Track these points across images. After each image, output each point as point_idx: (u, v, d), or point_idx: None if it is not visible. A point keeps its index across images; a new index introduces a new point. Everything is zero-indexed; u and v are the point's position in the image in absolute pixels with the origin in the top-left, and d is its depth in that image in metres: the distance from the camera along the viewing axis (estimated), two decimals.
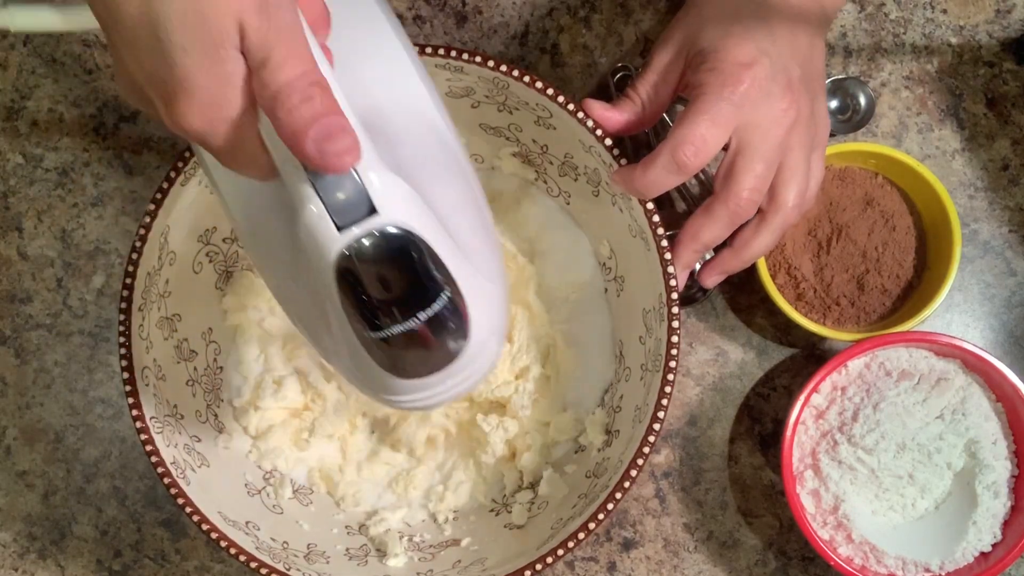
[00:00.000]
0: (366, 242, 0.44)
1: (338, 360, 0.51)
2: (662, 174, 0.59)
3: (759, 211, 0.62)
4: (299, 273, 0.47)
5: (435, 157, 0.53)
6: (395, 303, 0.45)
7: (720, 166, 0.60)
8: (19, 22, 0.55)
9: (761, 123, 0.59)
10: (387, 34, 0.54)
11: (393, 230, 0.44)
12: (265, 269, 0.54)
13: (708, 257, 0.68)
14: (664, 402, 0.61)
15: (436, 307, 0.46)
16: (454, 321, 0.47)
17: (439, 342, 0.47)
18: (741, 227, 0.63)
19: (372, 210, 0.43)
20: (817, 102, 0.62)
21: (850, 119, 0.73)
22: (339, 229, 0.43)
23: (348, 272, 0.44)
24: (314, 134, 0.41)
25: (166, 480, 0.62)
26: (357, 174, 0.43)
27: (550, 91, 0.61)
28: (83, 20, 0.53)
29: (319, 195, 0.43)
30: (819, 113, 0.62)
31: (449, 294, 0.46)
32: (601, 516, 0.61)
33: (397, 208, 0.44)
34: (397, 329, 0.46)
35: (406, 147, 0.49)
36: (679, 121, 0.58)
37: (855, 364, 0.70)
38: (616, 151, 0.62)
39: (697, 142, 0.58)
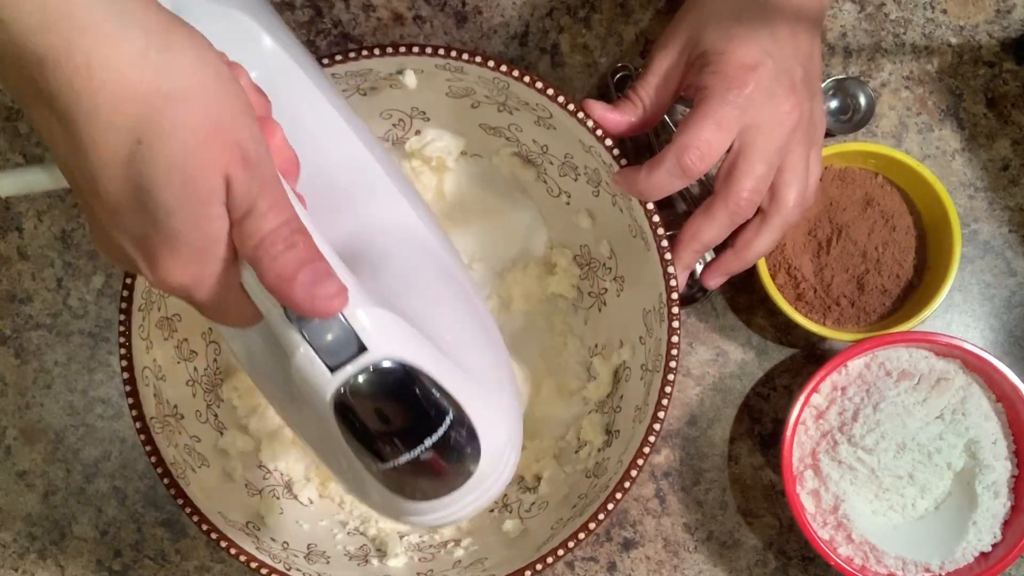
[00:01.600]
0: (360, 380, 0.44)
1: (356, 489, 0.50)
2: (666, 178, 0.59)
3: (760, 211, 0.62)
4: (303, 408, 0.47)
5: (424, 274, 0.52)
6: (399, 434, 0.45)
7: (721, 166, 0.60)
8: (6, 187, 0.51)
9: (764, 125, 0.59)
10: (353, 143, 0.54)
11: (386, 364, 0.44)
12: (273, 402, 0.54)
13: (708, 258, 0.68)
14: (664, 402, 0.61)
15: (441, 431, 0.46)
16: (464, 441, 0.47)
17: (450, 464, 0.47)
18: (742, 228, 0.63)
19: (362, 347, 0.44)
20: (815, 101, 0.62)
21: (850, 119, 0.73)
22: (331, 370, 0.43)
23: (346, 410, 0.44)
24: (302, 281, 0.42)
25: (166, 480, 0.62)
26: (342, 314, 0.43)
27: (550, 91, 0.61)
28: (41, 181, 0.50)
29: (307, 339, 0.43)
30: (817, 112, 0.62)
31: (454, 416, 0.46)
32: (601, 516, 0.61)
33: (387, 341, 0.44)
34: (404, 459, 0.45)
35: (391, 269, 0.49)
36: (684, 125, 0.58)
37: (855, 364, 0.70)
38: (616, 152, 0.62)
39: (702, 147, 0.58)
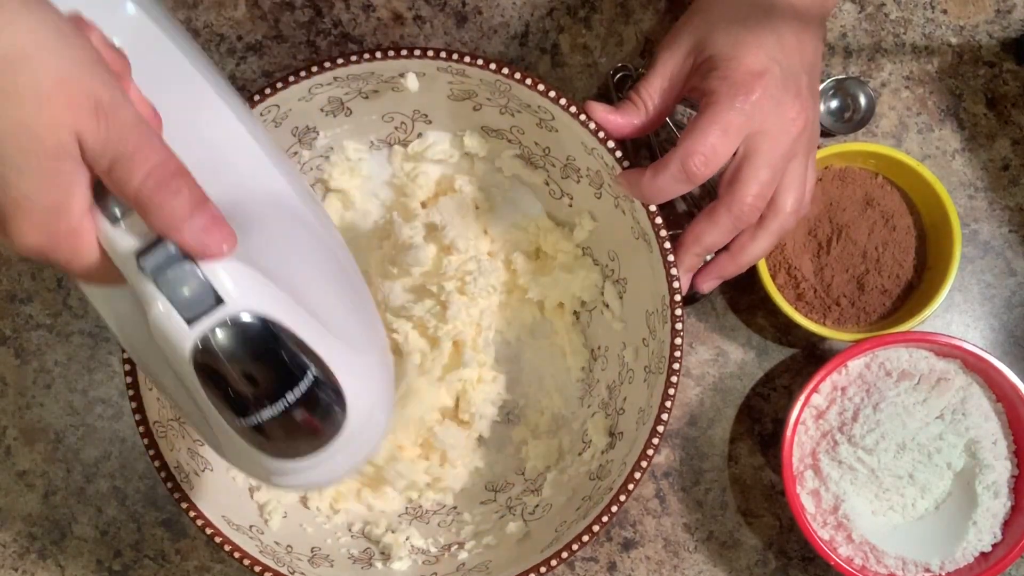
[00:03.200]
0: (218, 332, 0.43)
1: (224, 450, 0.50)
2: (671, 182, 0.59)
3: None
4: (168, 369, 0.47)
5: (291, 237, 0.52)
6: (260, 389, 0.45)
7: (726, 171, 0.60)
8: None
9: (770, 131, 0.59)
10: (223, 112, 0.54)
11: (244, 317, 0.44)
12: (145, 370, 0.53)
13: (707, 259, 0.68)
14: (668, 404, 0.61)
15: (304, 386, 0.45)
16: (327, 398, 0.46)
17: (315, 420, 0.47)
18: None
19: (219, 300, 0.43)
20: (816, 110, 0.62)
21: (850, 119, 0.73)
22: (189, 323, 0.43)
23: (206, 365, 0.44)
24: (192, 225, 0.42)
25: (170, 484, 0.62)
26: (198, 266, 0.43)
27: (552, 93, 0.61)
28: None
29: (163, 292, 0.43)
30: (816, 121, 0.62)
31: (316, 372, 0.46)
32: (605, 519, 0.61)
33: (245, 295, 0.44)
34: (267, 414, 0.45)
35: (256, 231, 0.49)
36: (689, 129, 0.58)
37: (855, 364, 0.70)
38: (619, 154, 0.62)
39: (708, 152, 0.58)
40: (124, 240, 0.43)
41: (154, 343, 0.45)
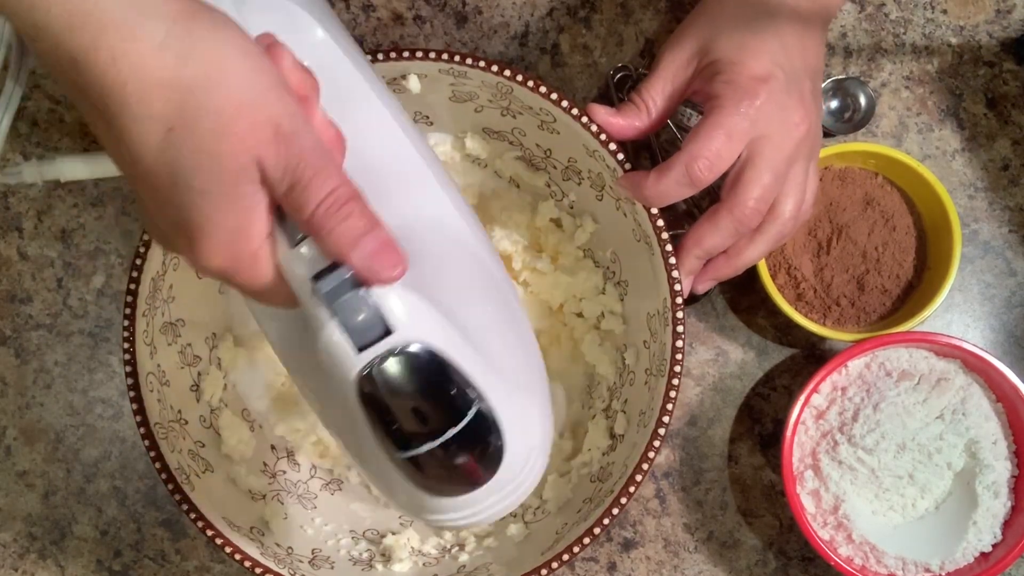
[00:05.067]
0: (386, 362, 0.44)
1: (378, 480, 0.50)
2: (674, 186, 0.59)
3: None
4: (331, 394, 0.47)
5: (461, 270, 0.52)
6: (422, 421, 0.45)
7: (728, 175, 0.60)
8: (48, 174, 0.56)
9: (773, 136, 0.59)
10: (398, 136, 0.54)
11: (413, 348, 0.44)
12: (303, 390, 0.54)
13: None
14: (669, 407, 0.61)
15: (465, 423, 0.45)
16: (487, 436, 0.46)
17: (473, 459, 0.46)
18: None
19: (388, 330, 0.44)
20: (818, 115, 0.62)
21: (850, 119, 0.73)
22: (359, 351, 0.44)
23: (371, 393, 0.44)
24: (363, 249, 0.42)
25: (170, 486, 0.62)
26: (371, 294, 0.43)
27: (553, 96, 0.61)
28: (108, 167, 0.54)
29: (336, 317, 0.43)
30: (818, 126, 0.63)
31: (478, 409, 0.45)
32: (606, 521, 0.61)
33: (416, 326, 0.44)
34: (426, 448, 0.45)
35: (427, 261, 0.49)
36: (694, 134, 0.59)
37: (855, 364, 0.70)
38: (620, 156, 0.62)
39: (712, 157, 0.58)
40: (301, 264, 0.44)
41: (317, 365, 0.45)
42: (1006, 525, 0.68)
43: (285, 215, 0.44)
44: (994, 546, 0.68)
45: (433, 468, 0.46)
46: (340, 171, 0.43)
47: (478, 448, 0.46)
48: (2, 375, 0.75)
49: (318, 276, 0.43)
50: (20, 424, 0.75)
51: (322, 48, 0.54)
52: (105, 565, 0.74)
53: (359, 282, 0.43)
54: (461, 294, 0.50)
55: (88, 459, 0.74)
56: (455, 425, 0.45)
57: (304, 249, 0.44)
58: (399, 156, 0.54)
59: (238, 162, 0.41)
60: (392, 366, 0.44)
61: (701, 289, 0.66)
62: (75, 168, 0.56)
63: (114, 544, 0.74)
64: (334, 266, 0.43)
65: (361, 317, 0.43)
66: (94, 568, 0.74)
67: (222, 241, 0.43)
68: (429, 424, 0.45)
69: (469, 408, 0.45)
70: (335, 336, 0.43)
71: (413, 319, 0.44)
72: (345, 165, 0.45)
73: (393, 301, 0.44)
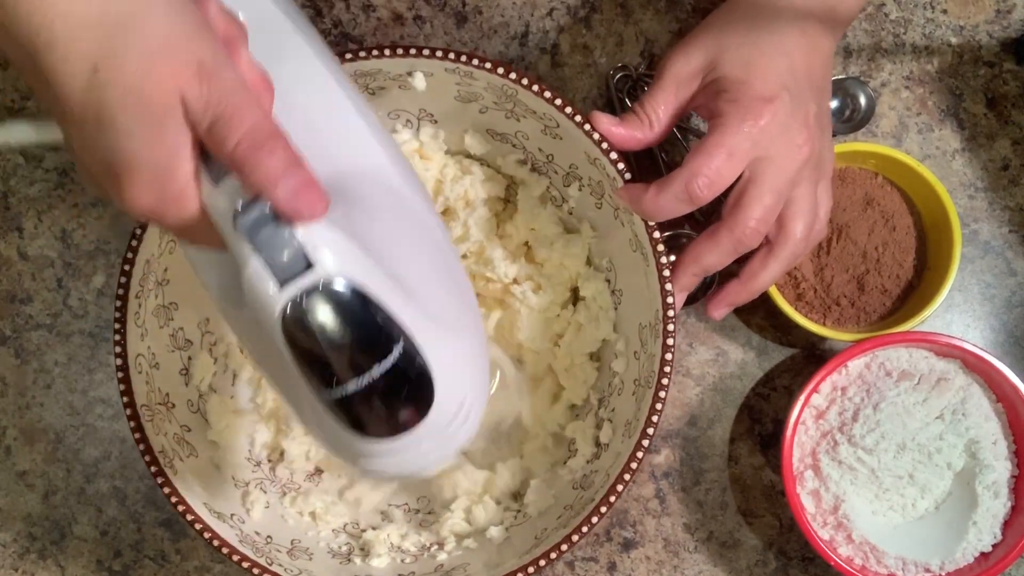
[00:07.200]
0: (308, 296, 0.44)
1: (313, 425, 0.50)
2: (673, 202, 0.59)
3: (767, 242, 0.62)
4: (259, 335, 0.47)
5: (392, 214, 0.52)
6: (347, 359, 0.45)
7: (730, 194, 0.60)
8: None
9: (776, 157, 0.59)
10: (332, 89, 0.54)
11: (336, 284, 0.44)
12: (240, 338, 0.53)
13: (711, 283, 0.69)
14: (655, 419, 0.61)
15: (391, 361, 0.45)
16: (415, 376, 0.46)
17: (401, 399, 0.46)
18: (749, 257, 0.63)
19: (311, 265, 0.44)
20: (825, 136, 0.62)
21: (850, 119, 0.73)
22: (280, 286, 0.43)
23: (294, 328, 0.44)
24: (285, 184, 0.42)
25: (153, 468, 0.62)
26: (293, 229, 0.43)
27: (558, 101, 0.61)
28: (55, 132, 0.54)
29: (258, 253, 0.43)
30: (827, 147, 0.62)
31: (404, 346, 0.45)
32: (585, 529, 0.61)
33: (339, 262, 0.44)
34: (352, 386, 0.45)
35: (356, 204, 0.49)
36: (695, 151, 0.58)
37: (855, 364, 0.70)
38: (621, 166, 0.62)
39: (712, 175, 0.58)
40: (223, 200, 0.44)
41: (249, 310, 0.45)
42: (1006, 525, 0.68)
43: (210, 154, 0.44)
44: (994, 546, 0.68)
45: (362, 408, 0.46)
46: (261, 108, 0.43)
47: (406, 388, 0.46)
48: (2, 375, 0.75)
49: (240, 212, 0.43)
50: (20, 424, 0.75)
51: (257, 2, 0.54)
52: (105, 565, 0.74)
53: (279, 218, 0.43)
54: (392, 241, 0.50)
55: (88, 459, 0.74)
56: (380, 362, 0.45)
57: (226, 186, 0.44)
58: (332, 108, 0.54)
59: (162, 100, 0.42)
60: (314, 301, 0.44)
61: (718, 316, 0.65)
62: (23, 132, 0.54)
63: (114, 544, 0.74)
64: (254, 201, 0.43)
65: (284, 253, 0.43)
66: (94, 568, 0.75)
67: (148, 180, 0.43)
68: (354, 362, 0.45)
69: (394, 344, 0.45)
70: (257, 271, 0.43)
71: (336, 255, 0.44)
72: (275, 113, 0.45)
73: (315, 236, 0.44)
